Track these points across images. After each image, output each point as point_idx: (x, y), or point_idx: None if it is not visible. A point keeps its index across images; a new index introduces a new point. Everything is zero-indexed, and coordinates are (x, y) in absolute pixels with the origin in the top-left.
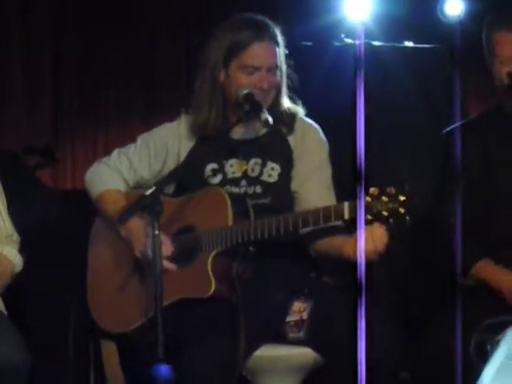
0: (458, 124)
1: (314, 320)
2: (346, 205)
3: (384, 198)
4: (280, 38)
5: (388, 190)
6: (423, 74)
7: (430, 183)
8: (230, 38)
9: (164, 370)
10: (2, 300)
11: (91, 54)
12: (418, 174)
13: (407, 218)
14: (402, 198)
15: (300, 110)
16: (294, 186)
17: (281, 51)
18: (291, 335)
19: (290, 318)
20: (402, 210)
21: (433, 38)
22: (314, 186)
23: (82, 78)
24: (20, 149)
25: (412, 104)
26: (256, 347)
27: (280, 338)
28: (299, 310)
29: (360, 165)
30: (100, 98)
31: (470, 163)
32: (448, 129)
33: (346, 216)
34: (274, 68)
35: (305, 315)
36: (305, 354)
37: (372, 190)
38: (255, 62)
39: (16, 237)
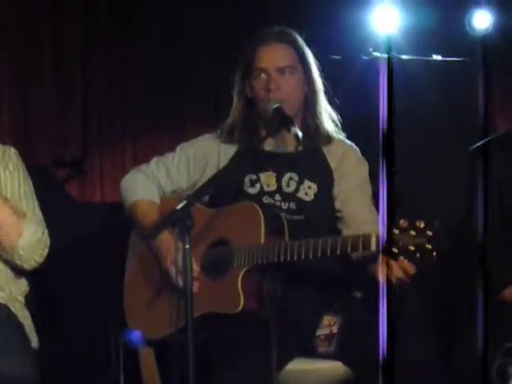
0: (485, 140)
1: (344, 334)
2: (374, 236)
3: (412, 232)
4: (298, 41)
5: (417, 223)
6: (451, 88)
7: (457, 199)
8: (242, 56)
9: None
10: (36, 311)
11: (120, 67)
12: (445, 189)
13: (434, 254)
14: (430, 234)
15: (339, 134)
16: (337, 204)
17: (303, 55)
18: (321, 349)
19: (320, 332)
20: (428, 246)
21: (461, 52)
22: (357, 202)
23: (110, 92)
24: (49, 162)
25: (440, 118)
26: (287, 361)
27: (310, 352)
28: (329, 323)
29: (386, 188)
30: (128, 112)
31: (499, 182)
32: (476, 145)
33: (373, 248)
34: (285, 69)
35: (335, 329)
36: (335, 368)
37: (401, 222)
38: (260, 63)
39: (44, 229)
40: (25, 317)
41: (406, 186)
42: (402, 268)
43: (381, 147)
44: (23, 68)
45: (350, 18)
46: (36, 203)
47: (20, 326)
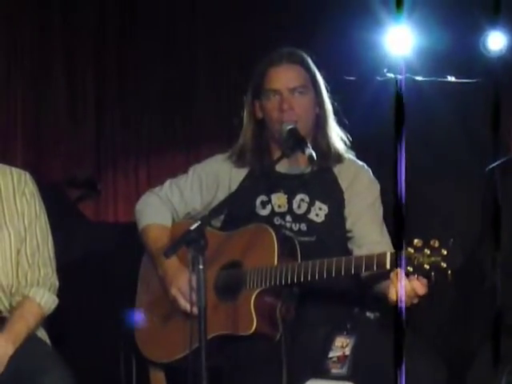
0: (500, 161)
1: (357, 355)
2: (388, 255)
3: (426, 251)
4: (308, 63)
5: (432, 242)
6: (465, 109)
7: (471, 220)
8: (253, 77)
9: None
10: (48, 333)
11: (133, 87)
12: (459, 211)
13: (449, 272)
14: (445, 252)
15: (350, 154)
16: (348, 224)
17: (314, 76)
18: (334, 371)
19: (333, 354)
20: (443, 265)
21: (475, 73)
22: (368, 222)
23: (124, 111)
24: (63, 181)
25: (454, 139)
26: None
27: (323, 374)
28: (342, 345)
29: (401, 209)
30: (142, 131)
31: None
32: (491, 166)
33: (388, 266)
34: (297, 89)
35: (347, 351)
36: None
37: (416, 241)
38: (273, 84)
39: (54, 280)
40: (43, 335)
41: (419, 206)
42: (412, 287)
43: (394, 168)
44: (37, 88)
45: (364, 39)
46: (50, 237)
47: (46, 344)
